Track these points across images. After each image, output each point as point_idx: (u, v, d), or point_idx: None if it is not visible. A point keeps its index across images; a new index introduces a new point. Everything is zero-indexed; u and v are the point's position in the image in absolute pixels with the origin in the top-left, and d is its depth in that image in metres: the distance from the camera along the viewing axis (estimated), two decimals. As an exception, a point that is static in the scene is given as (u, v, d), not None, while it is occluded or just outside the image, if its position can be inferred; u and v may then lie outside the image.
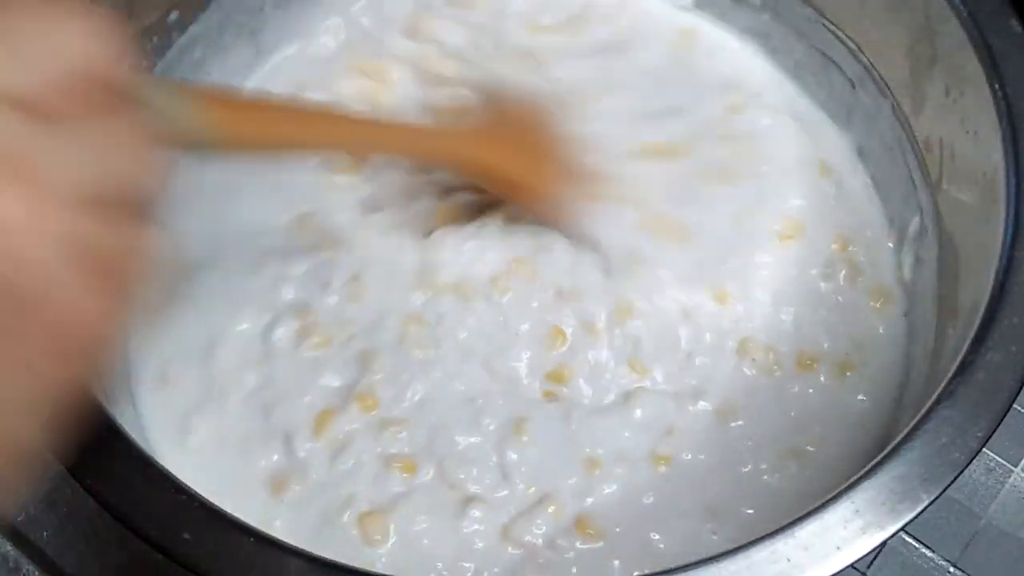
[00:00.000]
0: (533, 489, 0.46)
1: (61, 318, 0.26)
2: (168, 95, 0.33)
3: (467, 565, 0.45)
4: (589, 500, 0.46)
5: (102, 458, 0.37)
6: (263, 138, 0.39)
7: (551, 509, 0.46)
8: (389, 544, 0.45)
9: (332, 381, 0.49)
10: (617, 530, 0.46)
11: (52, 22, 0.27)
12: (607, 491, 0.47)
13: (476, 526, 0.46)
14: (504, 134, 0.52)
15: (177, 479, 0.37)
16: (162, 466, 0.37)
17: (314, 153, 0.52)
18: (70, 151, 0.27)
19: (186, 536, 0.35)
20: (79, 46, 0.28)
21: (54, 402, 0.27)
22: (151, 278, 0.30)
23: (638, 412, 0.48)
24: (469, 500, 0.46)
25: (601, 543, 0.45)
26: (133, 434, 0.39)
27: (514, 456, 0.47)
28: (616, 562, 0.45)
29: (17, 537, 0.51)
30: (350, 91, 0.58)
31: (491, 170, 0.50)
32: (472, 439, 0.47)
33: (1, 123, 0.25)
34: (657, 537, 0.46)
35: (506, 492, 0.46)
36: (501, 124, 0.53)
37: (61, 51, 0.27)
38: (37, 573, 0.51)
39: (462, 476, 0.47)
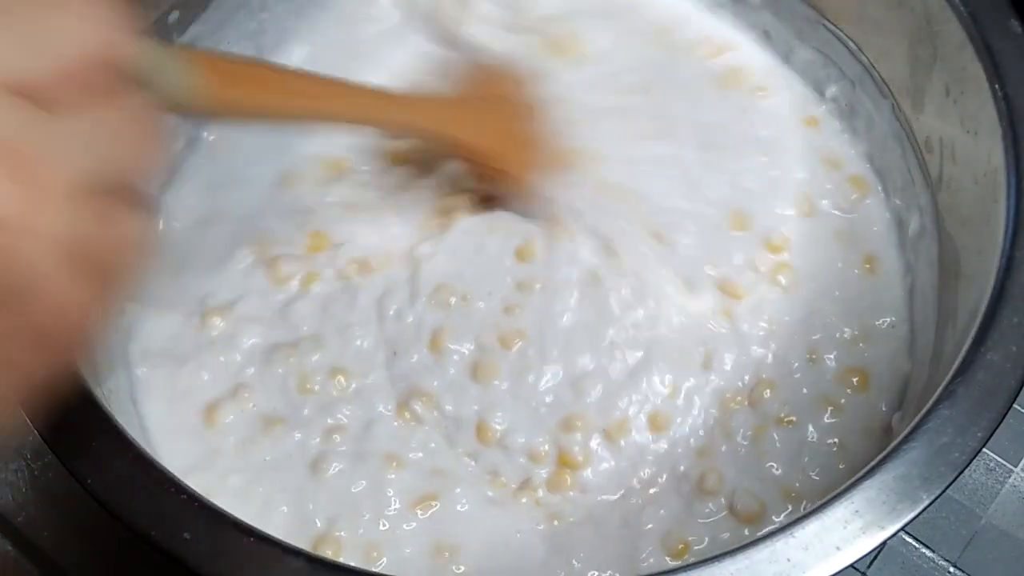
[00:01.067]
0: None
1: (46, 314, 0.26)
2: (165, 63, 0.33)
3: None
4: None
5: (102, 458, 0.37)
6: (250, 104, 0.40)
7: None
8: None
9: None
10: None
11: (56, 5, 0.27)
12: None
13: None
14: (481, 104, 0.52)
15: (177, 479, 0.37)
16: (162, 466, 0.37)
17: (298, 122, 0.50)
18: (71, 142, 0.26)
19: (186, 536, 0.35)
20: (83, 30, 0.27)
21: (30, 392, 0.28)
22: (139, 267, 0.29)
23: None
24: None
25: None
26: (133, 433, 0.39)
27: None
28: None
29: (17, 537, 0.52)
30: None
31: (461, 144, 0.50)
32: None
33: (2, 113, 0.25)
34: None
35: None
36: (479, 93, 0.53)
37: (65, 35, 0.27)
38: (37, 573, 0.51)
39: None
